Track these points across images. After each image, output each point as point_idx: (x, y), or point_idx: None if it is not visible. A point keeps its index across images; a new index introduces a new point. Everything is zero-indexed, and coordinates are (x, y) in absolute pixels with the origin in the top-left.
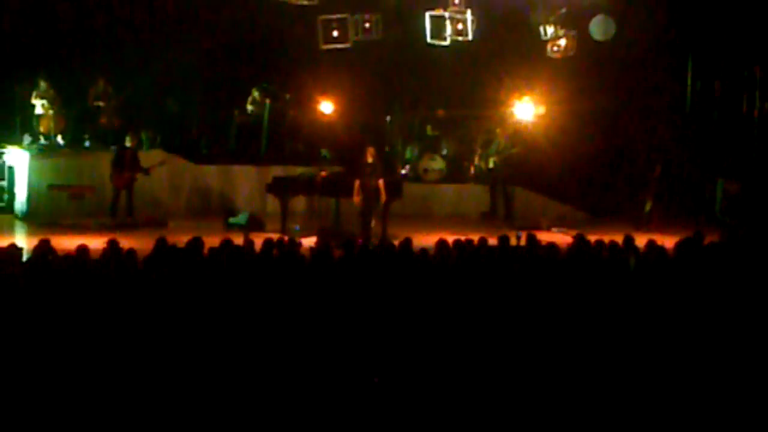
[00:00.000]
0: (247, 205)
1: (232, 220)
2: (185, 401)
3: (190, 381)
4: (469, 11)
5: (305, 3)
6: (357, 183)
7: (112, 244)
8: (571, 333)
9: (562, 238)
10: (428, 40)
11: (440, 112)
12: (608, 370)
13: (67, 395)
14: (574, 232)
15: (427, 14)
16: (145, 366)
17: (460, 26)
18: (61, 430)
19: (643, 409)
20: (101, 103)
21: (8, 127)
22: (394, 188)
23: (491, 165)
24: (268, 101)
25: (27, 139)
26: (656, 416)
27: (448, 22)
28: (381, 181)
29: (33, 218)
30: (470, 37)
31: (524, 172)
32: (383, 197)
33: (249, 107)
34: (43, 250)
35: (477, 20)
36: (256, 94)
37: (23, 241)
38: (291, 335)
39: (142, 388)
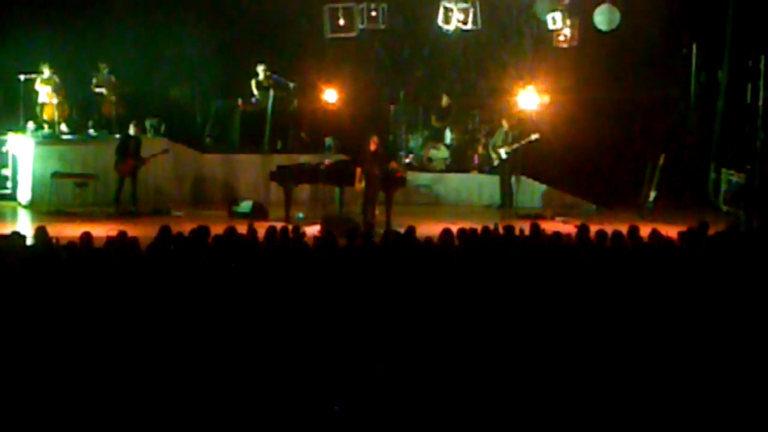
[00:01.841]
0: (251, 194)
1: (236, 208)
2: (189, 388)
3: (193, 369)
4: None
5: None
6: (359, 171)
7: (122, 236)
8: (575, 322)
9: (566, 227)
10: (439, 23)
11: (445, 101)
12: (613, 361)
13: (69, 382)
14: (578, 222)
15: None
16: (148, 352)
17: (461, 16)
18: (65, 418)
19: (646, 401)
20: (104, 90)
21: (12, 115)
22: (398, 178)
23: (504, 156)
24: (271, 82)
25: (31, 126)
26: (659, 409)
27: (454, 11)
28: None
29: (37, 206)
30: (476, 26)
31: (529, 162)
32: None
33: (254, 90)
34: (40, 237)
35: (483, 9)
36: (260, 72)
37: (27, 228)
38: (295, 323)
39: (146, 375)
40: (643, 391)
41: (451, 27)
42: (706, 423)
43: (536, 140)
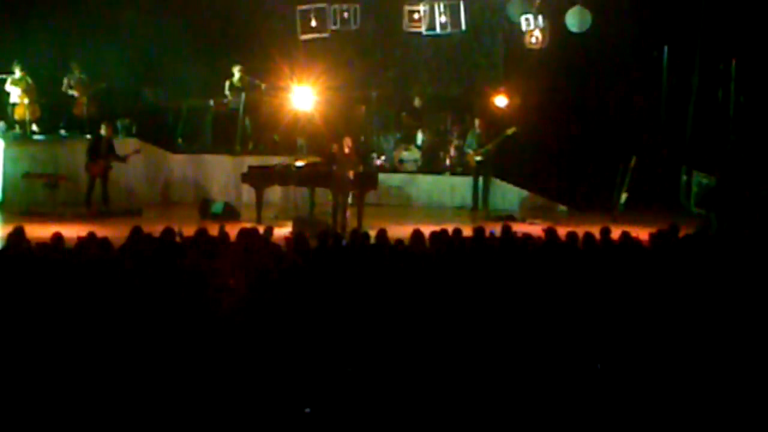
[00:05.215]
0: (223, 195)
1: (207, 209)
2: (159, 389)
3: (164, 370)
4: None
5: None
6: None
7: (91, 236)
8: (546, 323)
9: (538, 229)
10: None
11: (418, 102)
12: (584, 363)
13: (39, 384)
14: (548, 225)
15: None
16: (120, 354)
17: (443, 19)
18: (39, 418)
19: (615, 402)
20: (75, 92)
21: None
22: (369, 179)
23: (479, 158)
24: (245, 83)
25: (2, 127)
26: (628, 410)
27: (422, 14)
28: (351, 173)
29: (7, 207)
30: (444, 29)
31: (500, 163)
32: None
33: (227, 92)
34: (17, 237)
35: (453, 11)
36: (236, 73)
37: None
38: (265, 325)
39: (118, 376)
40: (613, 392)
41: (411, 29)
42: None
43: (513, 134)
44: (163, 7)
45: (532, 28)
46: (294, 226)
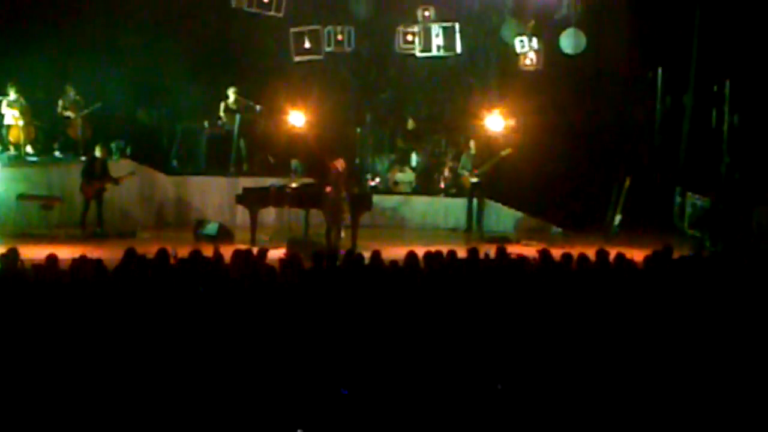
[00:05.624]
0: (217, 216)
1: (201, 231)
2: (153, 411)
3: (158, 391)
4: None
5: (272, 14)
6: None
7: (85, 258)
8: (540, 345)
9: (532, 251)
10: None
11: (411, 124)
12: (578, 385)
13: (34, 404)
14: (542, 246)
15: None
16: (113, 375)
17: (439, 41)
18: None
19: (611, 422)
20: (71, 114)
21: None
22: (364, 200)
23: (474, 179)
24: (240, 105)
25: None
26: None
27: (417, 36)
28: (344, 194)
29: (2, 228)
30: (436, 51)
31: (495, 185)
32: (345, 210)
33: (221, 114)
34: (11, 259)
35: (448, 33)
36: (230, 95)
37: None
38: (260, 346)
39: (112, 397)
40: (607, 413)
41: (405, 51)
42: None
43: (508, 156)
44: (159, 29)
45: (527, 50)
46: (288, 248)
